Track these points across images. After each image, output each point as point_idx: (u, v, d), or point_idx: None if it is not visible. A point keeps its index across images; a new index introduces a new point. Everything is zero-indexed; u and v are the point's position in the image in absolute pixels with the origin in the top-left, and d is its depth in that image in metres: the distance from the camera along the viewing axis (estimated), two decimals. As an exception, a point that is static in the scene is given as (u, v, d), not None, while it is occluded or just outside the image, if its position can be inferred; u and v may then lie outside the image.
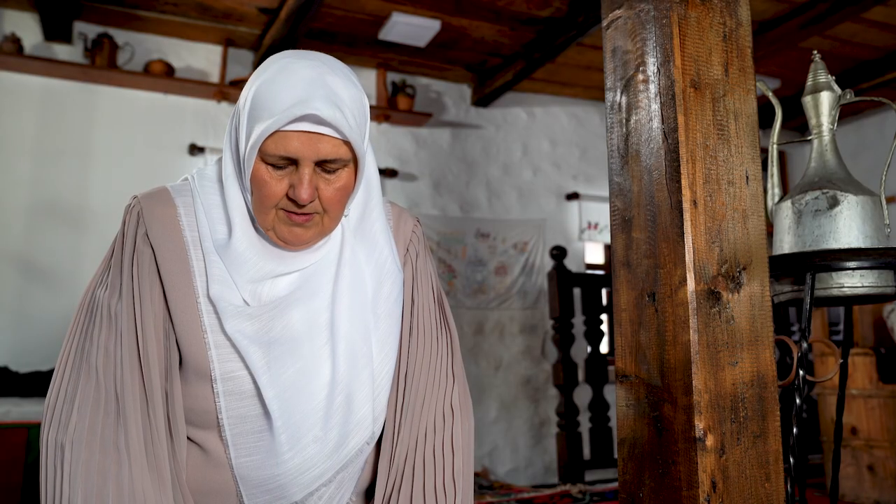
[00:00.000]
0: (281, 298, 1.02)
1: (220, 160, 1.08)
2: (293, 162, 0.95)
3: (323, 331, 1.02)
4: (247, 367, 0.99)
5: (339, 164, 0.97)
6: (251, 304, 1.00)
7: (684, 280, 1.03)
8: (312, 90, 0.94)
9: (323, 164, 0.96)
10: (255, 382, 0.99)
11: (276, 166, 0.96)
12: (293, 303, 1.02)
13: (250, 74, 4.68)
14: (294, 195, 0.95)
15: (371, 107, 4.62)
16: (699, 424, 1.01)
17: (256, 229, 1.03)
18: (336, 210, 1.00)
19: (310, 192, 0.95)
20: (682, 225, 1.04)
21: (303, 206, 0.97)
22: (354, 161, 0.98)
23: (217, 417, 1.00)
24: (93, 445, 0.94)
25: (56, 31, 3.97)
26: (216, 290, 0.99)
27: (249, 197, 1.00)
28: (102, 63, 3.99)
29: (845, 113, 5.45)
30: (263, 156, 0.95)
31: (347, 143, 0.96)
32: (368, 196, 1.10)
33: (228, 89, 4.22)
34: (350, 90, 0.97)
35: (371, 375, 1.04)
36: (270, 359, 0.99)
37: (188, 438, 1.03)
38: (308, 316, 1.02)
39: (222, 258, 1.01)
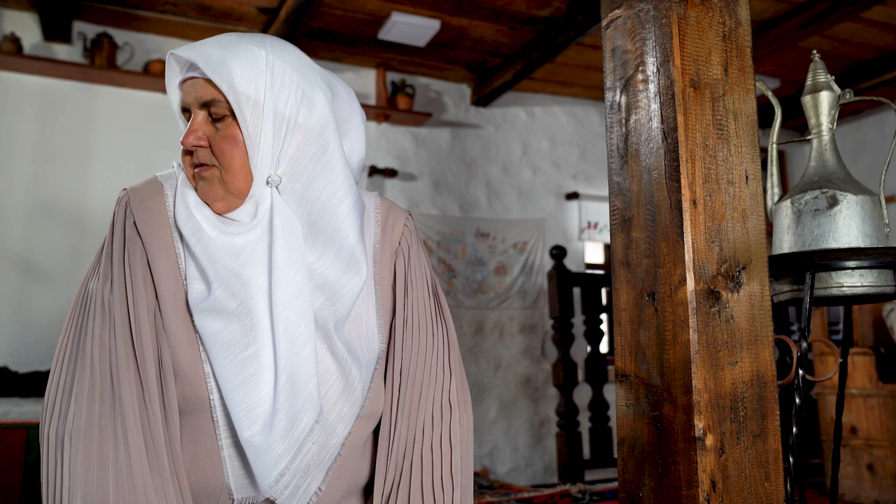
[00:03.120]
0: (232, 278, 1.01)
1: None
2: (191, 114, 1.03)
3: (265, 311, 1.01)
4: (206, 352, 1.01)
5: (220, 107, 1.01)
6: (213, 281, 1.01)
7: (684, 279, 1.03)
8: (197, 44, 1.03)
9: (210, 111, 1.01)
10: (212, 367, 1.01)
11: (186, 121, 1.06)
12: (240, 285, 1.01)
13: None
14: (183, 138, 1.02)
15: (371, 106, 4.62)
16: (699, 424, 1.01)
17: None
18: (228, 163, 1.01)
19: (194, 137, 1.01)
20: (682, 224, 1.04)
21: (195, 154, 1.03)
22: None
23: (208, 398, 1.01)
24: (91, 435, 0.95)
25: (55, 30, 3.97)
26: (191, 271, 1.02)
27: None
28: (102, 63, 3.99)
29: (845, 112, 5.46)
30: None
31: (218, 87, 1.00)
32: (329, 173, 1.05)
33: (228, 89, 4.23)
34: (245, 49, 1.01)
35: (313, 351, 1.02)
36: (223, 343, 0.99)
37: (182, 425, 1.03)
38: (252, 297, 1.01)
39: (184, 232, 1.02)
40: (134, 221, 1.04)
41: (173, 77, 1.06)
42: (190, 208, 1.03)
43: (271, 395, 0.99)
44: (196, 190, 1.05)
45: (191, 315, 1.02)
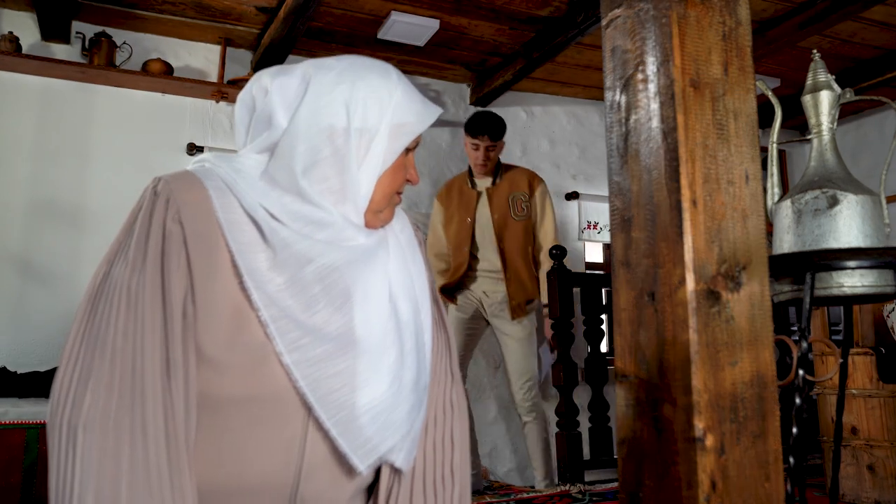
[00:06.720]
0: (332, 271, 1.06)
1: (236, 155, 1.10)
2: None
3: (384, 297, 1.10)
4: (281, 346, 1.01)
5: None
6: (302, 288, 1.02)
7: (683, 280, 1.03)
8: (421, 100, 1.15)
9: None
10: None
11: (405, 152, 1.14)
12: (343, 295, 1.06)
13: (249, 74, 4.59)
14: (411, 177, 1.15)
15: (370, 106, 4.61)
16: (699, 424, 1.00)
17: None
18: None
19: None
20: (682, 224, 1.04)
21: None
22: None
23: (295, 388, 0.99)
24: (107, 426, 0.91)
25: (54, 30, 3.96)
26: (263, 273, 1.01)
27: (369, 185, 1.09)
28: (100, 62, 3.98)
29: (845, 112, 5.45)
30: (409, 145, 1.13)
31: None
32: None
33: (227, 88, 4.22)
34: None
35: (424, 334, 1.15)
36: (311, 359, 1.00)
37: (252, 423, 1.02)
38: (362, 307, 1.07)
39: (282, 236, 1.03)
40: (177, 213, 1.00)
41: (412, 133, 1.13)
42: (287, 211, 1.04)
43: (386, 393, 1.04)
44: (381, 212, 1.13)
45: (254, 308, 0.99)
